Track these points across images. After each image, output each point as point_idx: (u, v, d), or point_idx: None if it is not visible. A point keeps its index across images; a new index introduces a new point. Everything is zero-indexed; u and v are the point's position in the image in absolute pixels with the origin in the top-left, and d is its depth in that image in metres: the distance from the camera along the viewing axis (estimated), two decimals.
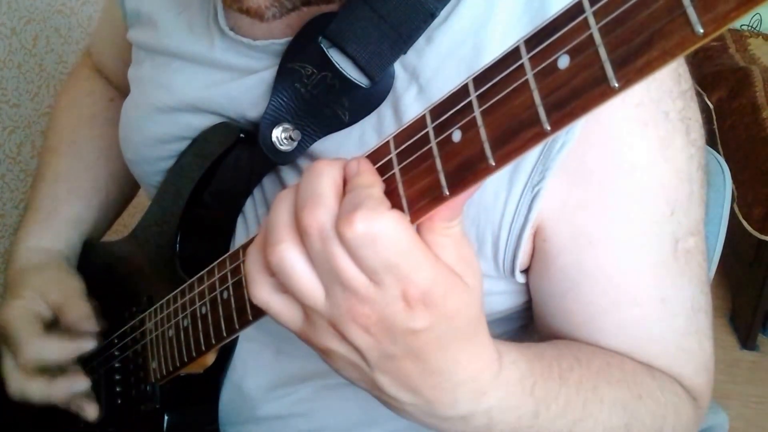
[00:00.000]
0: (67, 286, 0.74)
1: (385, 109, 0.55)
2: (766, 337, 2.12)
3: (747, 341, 2.09)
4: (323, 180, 0.39)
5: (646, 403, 0.53)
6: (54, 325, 0.72)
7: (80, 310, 0.71)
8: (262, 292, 0.42)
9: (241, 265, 0.50)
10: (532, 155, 0.51)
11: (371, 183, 0.39)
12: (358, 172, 0.39)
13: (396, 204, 0.39)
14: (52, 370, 0.69)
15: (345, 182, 0.40)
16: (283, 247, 0.39)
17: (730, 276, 2.19)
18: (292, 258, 0.39)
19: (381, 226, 0.36)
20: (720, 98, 2.16)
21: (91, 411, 0.70)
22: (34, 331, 0.69)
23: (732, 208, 0.91)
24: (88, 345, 0.70)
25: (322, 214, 0.38)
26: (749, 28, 2.60)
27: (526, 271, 0.58)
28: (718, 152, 1.41)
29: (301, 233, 0.39)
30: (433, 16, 0.52)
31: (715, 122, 2.13)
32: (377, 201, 0.37)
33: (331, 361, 0.43)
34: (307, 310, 0.41)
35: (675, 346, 0.56)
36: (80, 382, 0.69)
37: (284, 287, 0.40)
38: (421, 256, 0.38)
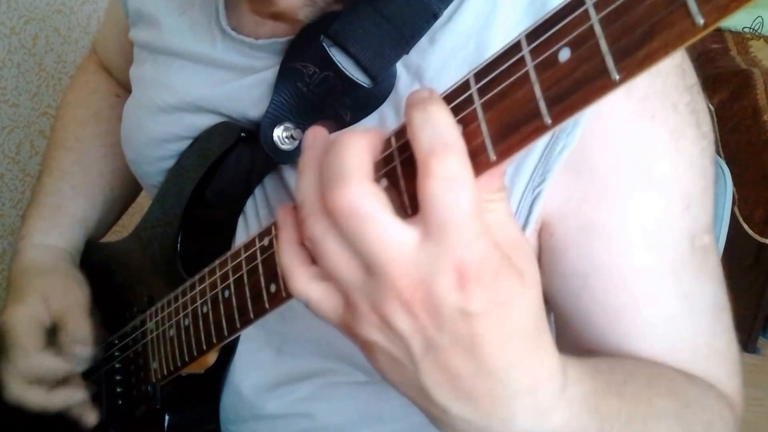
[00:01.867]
0: (71, 297, 0.73)
1: (387, 109, 0.55)
2: (766, 340, 2.12)
3: (747, 344, 2.09)
4: (348, 155, 0.36)
5: (694, 411, 0.50)
6: (54, 331, 0.72)
7: (78, 331, 0.70)
8: (299, 283, 0.40)
9: (242, 263, 0.50)
10: (532, 157, 0.51)
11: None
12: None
13: (400, 197, 0.38)
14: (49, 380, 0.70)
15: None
16: (311, 221, 0.37)
17: (730, 279, 2.16)
18: (321, 232, 0.37)
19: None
20: (721, 101, 2.16)
21: (91, 418, 0.71)
22: (33, 344, 0.69)
23: (733, 211, 0.91)
24: (80, 367, 0.71)
25: (347, 193, 0.35)
26: (750, 30, 2.60)
27: None
28: (719, 155, 1.41)
29: (329, 214, 0.36)
30: (435, 16, 0.52)
31: (716, 125, 2.13)
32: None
33: (373, 358, 0.40)
34: (346, 293, 0.38)
35: (706, 346, 0.54)
36: (78, 394, 0.70)
37: (321, 270, 0.39)
38: (475, 225, 0.34)
